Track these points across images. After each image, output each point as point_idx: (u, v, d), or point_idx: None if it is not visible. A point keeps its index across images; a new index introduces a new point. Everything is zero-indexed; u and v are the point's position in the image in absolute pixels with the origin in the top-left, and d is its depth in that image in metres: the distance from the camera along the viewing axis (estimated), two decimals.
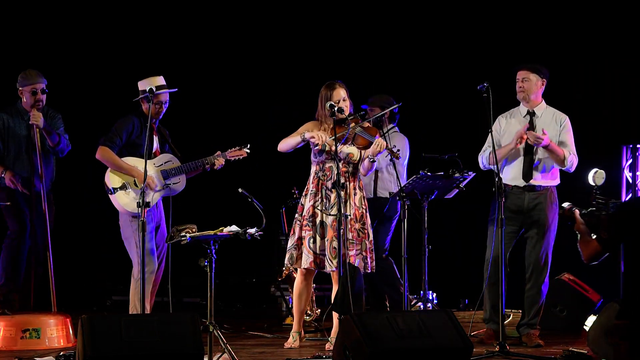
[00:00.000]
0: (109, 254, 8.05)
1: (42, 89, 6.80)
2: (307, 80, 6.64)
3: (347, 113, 6.17)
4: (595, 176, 5.90)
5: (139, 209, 5.69)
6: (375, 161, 6.15)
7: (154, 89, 6.16)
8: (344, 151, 6.21)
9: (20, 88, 6.83)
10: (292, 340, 6.35)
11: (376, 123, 7.13)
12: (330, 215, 6.14)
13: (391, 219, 7.25)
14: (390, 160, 6.13)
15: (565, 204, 6.06)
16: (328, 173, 6.23)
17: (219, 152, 6.53)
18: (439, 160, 7.13)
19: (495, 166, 6.15)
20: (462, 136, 8.10)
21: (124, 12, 9.10)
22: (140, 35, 9.08)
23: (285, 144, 6.27)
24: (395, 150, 6.09)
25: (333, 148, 6.05)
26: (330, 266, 6.14)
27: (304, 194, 6.32)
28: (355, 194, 6.23)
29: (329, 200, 6.19)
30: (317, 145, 6.15)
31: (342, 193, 6.06)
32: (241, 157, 6.60)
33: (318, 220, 6.20)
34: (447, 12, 9.08)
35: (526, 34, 8.75)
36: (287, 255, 6.26)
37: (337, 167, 5.97)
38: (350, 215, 6.15)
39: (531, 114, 6.59)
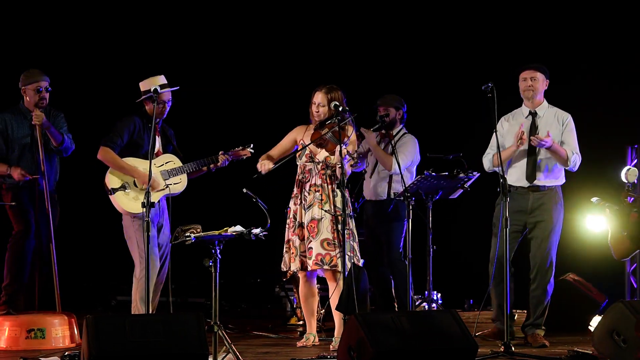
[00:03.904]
0: (114, 253, 8.05)
1: (46, 87, 6.81)
2: (312, 80, 6.63)
3: (322, 118, 6.30)
4: (627, 173, 5.89)
5: (143, 209, 5.69)
6: (341, 167, 6.12)
7: (159, 89, 6.15)
8: (322, 155, 6.32)
9: (23, 87, 6.83)
10: (305, 340, 6.39)
11: (391, 124, 7.15)
12: (336, 215, 6.17)
13: (403, 220, 7.21)
14: (351, 165, 6.23)
15: (594, 199, 6.04)
16: (307, 175, 6.34)
17: (221, 152, 6.52)
18: (444, 161, 7.13)
19: (499, 167, 6.15)
20: (466, 136, 8.10)
21: (126, 12, 9.10)
22: (142, 34, 9.08)
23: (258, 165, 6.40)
24: (355, 156, 6.13)
25: (314, 153, 6.24)
26: (310, 265, 6.23)
27: (291, 196, 6.39)
28: (335, 195, 6.27)
29: (307, 201, 6.28)
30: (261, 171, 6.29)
31: (319, 195, 6.24)
32: (244, 157, 6.60)
33: (298, 222, 6.28)
34: (451, 12, 9.07)
35: (530, 33, 8.74)
36: (282, 260, 6.38)
37: (342, 168, 6.03)
38: (354, 214, 6.23)
39: (533, 114, 6.58)
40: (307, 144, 6.26)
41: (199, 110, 8.96)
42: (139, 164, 6.25)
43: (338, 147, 6.04)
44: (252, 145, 6.59)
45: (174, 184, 6.35)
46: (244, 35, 9.32)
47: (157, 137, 6.41)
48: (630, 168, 5.88)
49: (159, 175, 6.33)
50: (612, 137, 8.42)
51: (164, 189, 6.31)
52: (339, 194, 6.24)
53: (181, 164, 6.42)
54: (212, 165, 6.47)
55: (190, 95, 6.79)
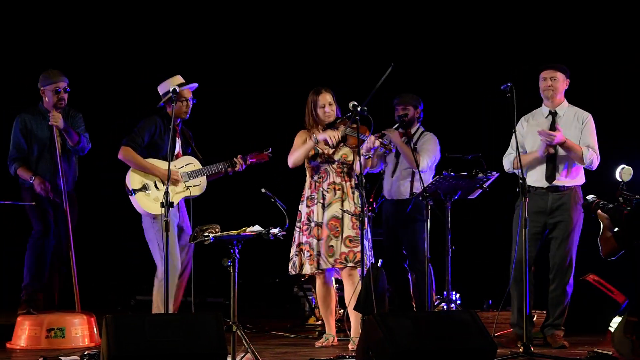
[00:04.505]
0: (133, 253, 8.08)
1: (64, 88, 6.84)
2: (329, 81, 6.63)
3: (333, 117, 6.32)
4: (622, 172, 5.86)
5: (162, 208, 5.71)
6: (370, 157, 6.20)
7: (177, 88, 6.16)
8: (338, 154, 6.34)
9: (42, 88, 6.87)
10: (324, 341, 6.39)
11: (410, 122, 7.14)
12: (353, 215, 6.17)
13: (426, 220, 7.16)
14: (384, 153, 6.19)
15: (590, 197, 6.03)
16: (324, 175, 6.33)
17: (240, 156, 6.52)
18: (463, 161, 7.11)
19: (519, 170, 6.13)
20: (485, 136, 8.07)
21: (145, 13, 9.14)
22: (160, 36, 9.11)
23: (296, 157, 6.37)
24: (386, 143, 6.13)
25: (327, 151, 6.26)
26: (326, 264, 6.23)
27: (301, 200, 6.38)
28: (353, 193, 6.28)
29: (326, 200, 6.27)
30: (332, 146, 6.25)
31: (340, 193, 6.26)
32: (263, 161, 6.60)
33: (316, 221, 6.25)
34: (470, 11, 9.04)
35: (549, 30, 8.70)
36: (290, 264, 6.36)
37: (360, 167, 6.04)
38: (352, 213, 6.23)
39: (553, 114, 6.55)
40: (335, 141, 6.24)
41: (215, 110, 8.97)
42: (160, 165, 6.27)
43: (366, 139, 6.07)
44: (270, 150, 6.59)
45: (194, 186, 6.36)
46: (266, 38, 9.32)
47: (177, 138, 6.44)
48: (625, 167, 5.85)
49: (180, 176, 6.35)
50: (629, 134, 8.38)
51: (183, 191, 6.32)
52: (355, 191, 6.24)
53: (201, 167, 6.42)
54: (229, 169, 6.47)
55: (206, 95, 6.80)
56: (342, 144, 6.31)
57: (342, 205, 6.26)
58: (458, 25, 9.04)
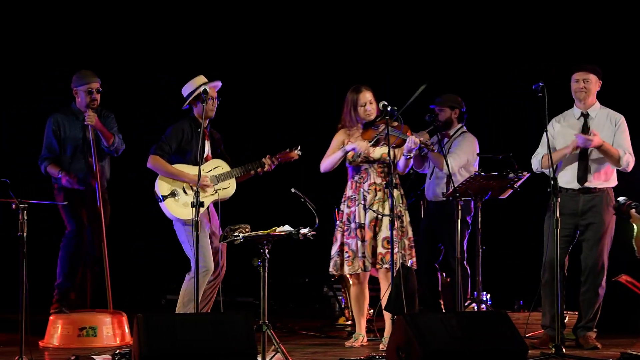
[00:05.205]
0: (164, 252, 8.12)
1: (97, 89, 6.89)
2: (356, 77, 6.62)
3: (373, 115, 6.32)
4: None
5: (193, 209, 5.72)
6: (411, 157, 6.19)
7: (207, 88, 6.16)
8: (377, 153, 6.31)
9: (74, 88, 6.92)
10: (354, 340, 6.39)
11: (446, 124, 7.12)
12: (383, 215, 6.17)
13: (466, 221, 7.14)
14: (424, 154, 6.17)
15: (621, 199, 5.98)
16: (364, 175, 6.32)
17: (268, 156, 6.47)
18: (493, 160, 7.07)
19: (549, 170, 6.08)
20: (516, 136, 8.01)
21: (170, 15, 9.18)
22: (186, 37, 9.15)
23: (328, 163, 6.40)
24: (429, 144, 6.11)
25: (367, 152, 6.23)
26: (371, 265, 6.21)
27: (342, 200, 6.37)
28: (392, 193, 6.25)
29: (367, 201, 6.25)
30: (359, 155, 6.26)
31: (381, 194, 6.25)
32: (292, 160, 6.55)
33: (357, 223, 6.24)
34: (502, 11, 8.99)
35: (581, 31, 8.63)
36: (331, 263, 6.36)
37: (390, 168, 6.02)
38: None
39: (585, 115, 6.49)
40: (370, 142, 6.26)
41: (242, 111, 8.99)
42: (188, 170, 6.26)
43: (408, 138, 6.07)
44: (299, 147, 6.53)
45: (223, 188, 6.34)
46: (294, 35, 9.33)
47: (206, 141, 6.40)
48: None
49: (210, 180, 6.32)
50: None
51: (212, 194, 6.28)
52: (396, 192, 6.23)
53: (229, 169, 6.40)
54: (259, 170, 6.43)
55: (231, 96, 6.79)
56: (382, 143, 6.27)
57: (382, 206, 6.23)
58: (459, 26, 9.00)
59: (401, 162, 6.29)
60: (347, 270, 6.31)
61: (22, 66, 8.92)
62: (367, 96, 6.35)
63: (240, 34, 9.31)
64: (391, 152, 6.06)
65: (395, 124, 6.27)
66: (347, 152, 6.33)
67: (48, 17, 8.92)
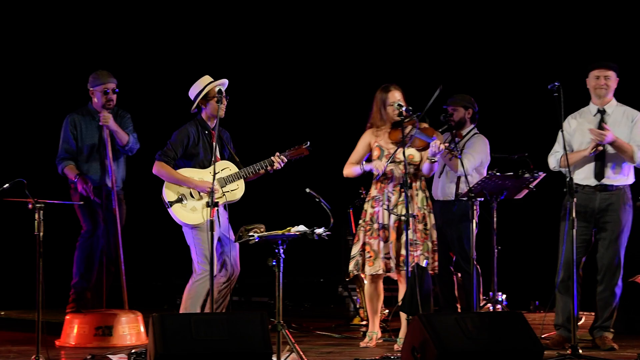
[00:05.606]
0: (180, 252, 8.14)
1: (113, 89, 6.91)
2: (369, 73, 6.62)
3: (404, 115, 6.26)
4: None
5: (205, 210, 5.70)
6: (436, 161, 6.18)
7: (222, 88, 6.13)
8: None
9: (91, 89, 6.95)
10: (368, 340, 6.37)
11: (460, 123, 7.09)
12: (400, 216, 6.15)
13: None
14: (450, 159, 6.11)
15: None
16: (390, 176, 6.28)
17: (277, 153, 6.37)
18: (509, 160, 7.04)
19: (566, 169, 6.05)
20: (532, 136, 7.99)
21: (180, 17, 9.22)
22: (193, 37, 9.18)
23: (350, 173, 6.45)
24: (452, 148, 6.10)
25: (392, 152, 6.21)
26: (394, 267, 6.20)
27: (367, 199, 6.36)
28: (417, 195, 6.26)
29: (391, 202, 6.24)
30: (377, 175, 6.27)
31: (414, 192, 6.21)
32: (302, 156, 6.44)
33: (381, 223, 6.23)
34: (517, 11, 8.97)
35: (596, 30, 8.60)
36: (353, 262, 6.33)
37: (406, 168, 6.01)
38: (416, 215, 6.18)
39: (601, 112, 6.46)
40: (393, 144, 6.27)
41: (254, 109, 9.00)
42: (194, 174, 6.21)
43: (432, 143, 6.07)
44: (308, 143, 6.39)
45: (231, 190, 6.28)
46: (300, 31, 9.33)
47: (213, 143, 6.32)
48: None
49: (216, 183, 6.26)
50: None
51: (220, 197, 6.16)
52: (420, 193, 6.22)
53: (237, 170, 6.26)
54: (269, 168, 6.33)
55: (244, 95, 6.78)
56: (409, 144, 6.23)
57: (408, 207, 6.21)
58: (509, 24, 8.98)
59: (426, 166, 6.25)
60: (367, 271, 6.28)
61: (38, 66, 8.98)
62: (396, 95, 6.32)
63: (250, 32, 9.33)
64: (405, 153, 6.05)
65: (425, 125, 6.26)
66: (365, 171, 6.33)
67: (66, 18, 8.97)
